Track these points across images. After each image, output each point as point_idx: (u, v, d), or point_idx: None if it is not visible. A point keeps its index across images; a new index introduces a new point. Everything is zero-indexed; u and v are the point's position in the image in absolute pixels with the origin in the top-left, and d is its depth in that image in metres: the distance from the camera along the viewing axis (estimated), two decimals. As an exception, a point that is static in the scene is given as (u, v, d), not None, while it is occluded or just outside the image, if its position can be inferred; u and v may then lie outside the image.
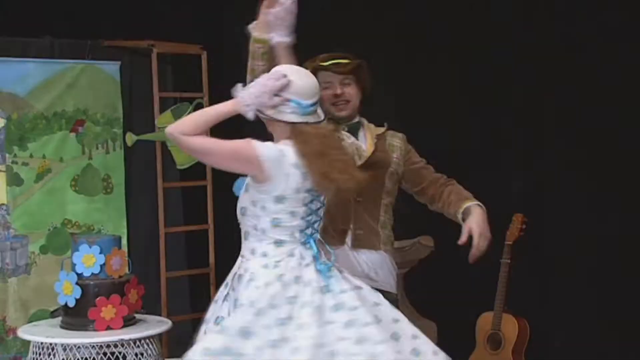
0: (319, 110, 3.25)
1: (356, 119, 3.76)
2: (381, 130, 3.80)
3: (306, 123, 3.19)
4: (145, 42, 5.62)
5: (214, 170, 5.53)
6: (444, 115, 5.42)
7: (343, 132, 3.68)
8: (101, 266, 4.52)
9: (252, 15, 6.18)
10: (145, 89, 5.69)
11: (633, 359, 5.03)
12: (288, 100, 3.18)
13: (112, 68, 5.70)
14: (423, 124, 5.64)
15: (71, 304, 4.51)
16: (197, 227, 5.78)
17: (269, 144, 3.21)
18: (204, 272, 5.72)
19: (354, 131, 3.73)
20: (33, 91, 5.42)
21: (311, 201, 3.23)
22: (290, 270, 3.18)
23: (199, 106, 5.55)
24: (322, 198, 3.27)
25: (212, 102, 5.56)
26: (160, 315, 5.22)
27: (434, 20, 5.49)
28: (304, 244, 3.25)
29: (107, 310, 4.48)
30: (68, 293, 4.51)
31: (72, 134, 5.56)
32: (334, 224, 3.62)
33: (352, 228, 3.65)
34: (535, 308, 5.20)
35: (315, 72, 3.60)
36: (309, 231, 3.27)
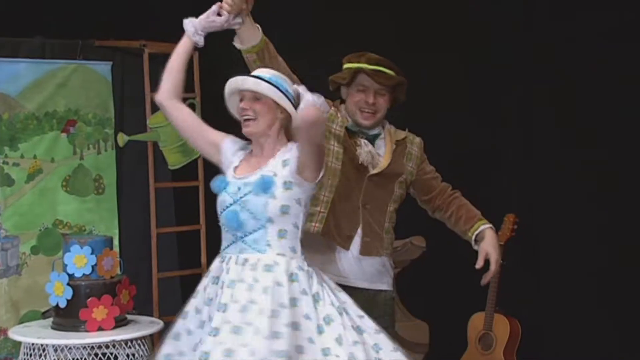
0: None
1: (376, 130, 3.73)
2: (402, 135, 3.78)
3: None
4: (137, 42, 5.61)
5: (205, 170, 5.54)
6: (436, 115, 5.42)
7: (360, 140, 3.66)
8: (92, 267, 4.52)
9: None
10: (137, 89, 5.68)
11: (626, 358, 5.03)
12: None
13: (103, 68, 5.68)
14: (414, 123, 5.64)
15: (62, 304, 4.50)
16: (188, 228, 5.77)
17: None
18: (196, 273, 5.67)
19: (372, 140, 3.72)
20: (24, 91, 5.41)
21: None
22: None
23: (192, 106, 5.54)
24: None
25: (204, 102, 5.66)
26: (151, 315, 5.22)
27: (429, 20, 5.51)
28: None
29: (99, 311, 4.48)
30: (59, 294, 4.50)
31: (64, 134, 5.55)
32: (339, 229, 3.64)
33: (360, 235, 3.66)
34: (527, 308, 5.20)
35: (354, 72, 3.62)
36: None
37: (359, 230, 3.65)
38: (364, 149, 3.66)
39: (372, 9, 5.60)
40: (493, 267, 3.65)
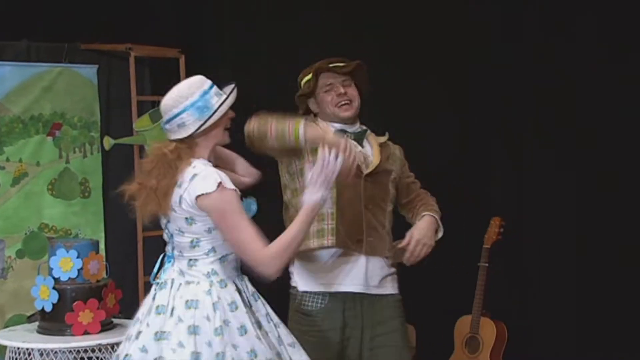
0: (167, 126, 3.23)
1: (358, 127, 3.73)
2: (383, 139, 3.78)
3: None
4: (123, 46, 5.62)
5: None
6: (423, 119, 5.44)
7: (350, 141, 3.56)
8: (78, 270, 4.49)
9: (230, 19, 6.29)
10: (122, 92, 5.69)
11: (611, 361, 5.06)
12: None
13: (89, 71, 5.69)
14: (400, 126, 5.65)
15: (48, 308, 4.47)
16: None
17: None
18: None
19: (359, 140, 3.70)
20: (9, 94, 5.39)
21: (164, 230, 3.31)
22: None
23: None
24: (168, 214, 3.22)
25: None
26: (138, 319, 5.20)
27: (418, 28, 5.53)
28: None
29: (85, 315, 4.45)
30: (45, 297, 4.47)
31: (49, 138, 5.55)
32: (351, 235, 3.63)
33: (364, 236, 3.64)
34: (513, 311, 5.23)
35: (315, 75, 3.66)
36: (168, 247, 3.31)
37: (364, 231, 3.65)
38: (355, 150, 3.54)
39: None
40: (411, 246, 3.59)
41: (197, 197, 3.13)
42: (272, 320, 3.27)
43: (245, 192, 3.31)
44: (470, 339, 5.12)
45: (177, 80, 5.57)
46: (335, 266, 3.64)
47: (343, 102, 3.68)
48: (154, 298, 3.23)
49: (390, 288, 3.73)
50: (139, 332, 3.20)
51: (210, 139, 3.22)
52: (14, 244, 5.41)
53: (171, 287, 3.20)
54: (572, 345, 5.13)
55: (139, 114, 5.59)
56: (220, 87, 3.26)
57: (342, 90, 3.68)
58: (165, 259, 3.30)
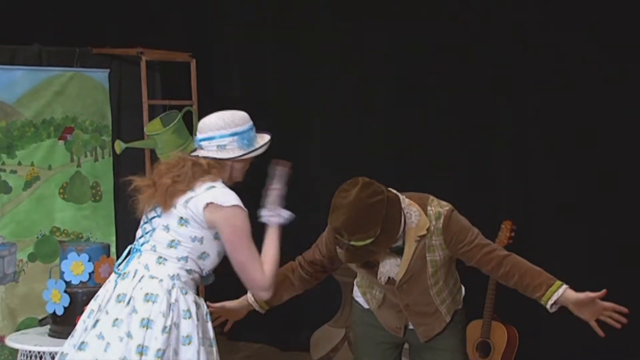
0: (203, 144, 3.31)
1: (398, 244, 3.44)
2: (423, 229, 3.43)
3: (197, 156, 3.31)
4: (134, 50, 5.67)
5: None
6: (435, 123, 5.45)
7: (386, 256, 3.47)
8: (90, 274, 4.51)
9: (241, 23, 6.31)
10: (134, 96, 5.72)
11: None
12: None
13: (100, 75, 5.75)
14: (413, 130, 5.67)
15: (59, 312, 4.50)
16: None
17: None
18: None
19: (397, 252, 3.46)
20: (21, 99, 5.45)
21: (150, 210, 3.34)
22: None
23: (188, 114, 5.61)
24: (158, 209, 3.29)
25: (201, 109, 5.68)
26: (148, 323, 5.21)
27: (421, 32, 5.56)
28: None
29: None
30: (56, 301, 4.49)
31: (61, 142, 5.60)
32: (396, 324, 3.62)
33: (413, 326, 3.60)
34: (524, 316, 5.18)
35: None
36: (140, 240, 3.35)
37: (410, 324, 3.61)
38: (380, 270, 3.48)
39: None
40: (594, 295, 3.46)
41: (209, 204, 3.19)
42: (215, 345, 3.33)
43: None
44: (482, 343, 5.12)
45: (188, 84, 5.76)
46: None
47: (369, 264, 3.51)
48: (114, 287, 3.28)
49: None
50: (97, 321, 3.24)
51: (235, 171, 3.34)
52: (26, 247, 5.46)
53: (133, 277, 3.26)
54: (582, 350, 5.12)
55: (150, 118, 5.65)
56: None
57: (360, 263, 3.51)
58: (132, 251, 3.35)
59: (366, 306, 3.69)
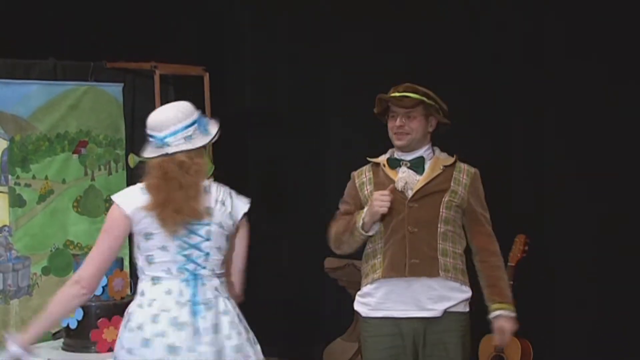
0: (191, 137, 3.26)
1: (416, 154, 3.85)
2: (450, 161, 3.87)
3: (166, 154, 3.24)
4: (148, 64, 5.67)
5: None
6: (445, 135, 5.45)
7: (403, 168, 3.82)
8: (103, 287, 4.53)
9: (254, 37, 6.33)
10: (147, 110, 5.39)
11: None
12: (149, 136, 3.32)
13: (114, 89, 5.78)
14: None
15: (73, 325, 4.51)
16: None
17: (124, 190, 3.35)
18: None
19: (416, 166, 3.83)
20: (36, 113, 5.48)
21: (187, 235, 3.23)
22: (165, 309, 3.21)
23: None
24: (202, 231, 3.23)
25: None
26: (162, 336, 5.21)
27: (442, 41, 5.56)
28: (185, 281, 3.24)
29: (109, 332, 4.48)
30: (70, 315, 4.47)
31: (75, 155, 5.64)
32: (394, 262, 3.74)
33: (407, 257, 3.73)
34: (538, 330, 5.18)
35: (384, 102, 3.86)
36: (190, 267, 3.25)
37: (407, 255, 3.74)
38: (400, 175, 3.79)
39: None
40: (498, 339, 3.92)
41: (244, 214, 3.33)
42: None
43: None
44: (495, 357, 5.10)
45: (202, 97, 5.76)
46: (382, 292, 3.78)
47: (397, 131, 3.83)
48: (203, 318, 3.23)
49: (434, 311, 3.77)
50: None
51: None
52: (40, 261, 5.48)
53: (216, 305, 3.27)
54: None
55: None
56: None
57: (398, 122, 3.82)
58: (189, 278, 3.26)
59: (367, 312, 3.82)
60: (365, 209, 3.73)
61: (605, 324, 5.12)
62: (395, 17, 5.70)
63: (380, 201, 3.66)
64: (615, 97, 5.06)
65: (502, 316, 3.82)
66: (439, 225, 3.76)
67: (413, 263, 3.72)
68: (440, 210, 3.76)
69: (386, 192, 3.68)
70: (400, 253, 3.73)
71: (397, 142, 3.84)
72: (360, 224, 3.72)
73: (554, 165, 5.33)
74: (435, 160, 3.85)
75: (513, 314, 3.83)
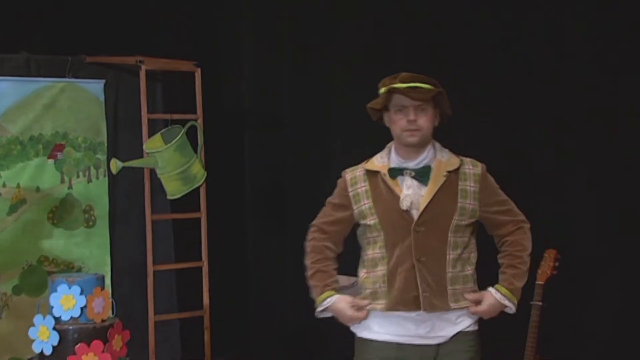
0: None
1: (424, 162, 3.80)
2: (455, 165, 3.82)
3: None
4: (133, 58, 5.65)
5: (208, 201, 5.64)
6: (471, 146, 5.36)
7: (407, 179, 3.76)
8: (82, 309, 4.44)
9: (250, 30, 6.29)
10: (132, 110, 5.77)
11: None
12: None
13: (95, 87, 5.72)
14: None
15: (48, 351, 4.41)
16: (189, 265, 5.77)
17: None
18: (197, 315, 5.69)
19: (422, 176, 3.78)
20: (7, 113, 5.43)
21: None
22: None
23: (192, 129, 5.72)
24: None
25: (206, 124, 5.80)
26: (147, 363, 5.27)
27: (460, 40, 5.56)
28: None
29: (88, 358, 4.38)
30: (44, 339, 4.41)
31: (50, 161, 5.59)
32: (405, 291, 3.73)
33: (418, 290, 3.73)
34: (569, 355, 5.16)
35: (389, 93, 3.75)
36: None
37: (419, 287, 3.73)
38: (405, 192, 3.74)
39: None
40: (472, 309, 3.83)
41: None
42: None
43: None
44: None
45: (193, 96, 5.75)
46: (385, 317, 3.80)
47: (409, 128, 3.76)
48: None
49: (439, 338, 3.80)
50: None
51: None
52: (10, 279, 5.43)
53: None
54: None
55: (150, 134, 5.61)
56: None
57: (412, 116, 3.75)
58: None
59: (366, 335, 3.83)
60: (335, 297, 3.79)
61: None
62: (398, 16, 5.71)
63: (355, 320, 3.78)
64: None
65: (495, 298, 3.84)
66: (447, 252, 3.77)
67: (424, 297, 3.73)
68: (449, 236, 3.77)
69: (363, 314, 3.76)
70: (409, 285, 3.72)
71: (410, 140, 3.76)
72: (321, 309, 3.80)
73: (584, 175, 5.30)
74: (438, 164, 3.81)
75: (507, 303, 3.87)
